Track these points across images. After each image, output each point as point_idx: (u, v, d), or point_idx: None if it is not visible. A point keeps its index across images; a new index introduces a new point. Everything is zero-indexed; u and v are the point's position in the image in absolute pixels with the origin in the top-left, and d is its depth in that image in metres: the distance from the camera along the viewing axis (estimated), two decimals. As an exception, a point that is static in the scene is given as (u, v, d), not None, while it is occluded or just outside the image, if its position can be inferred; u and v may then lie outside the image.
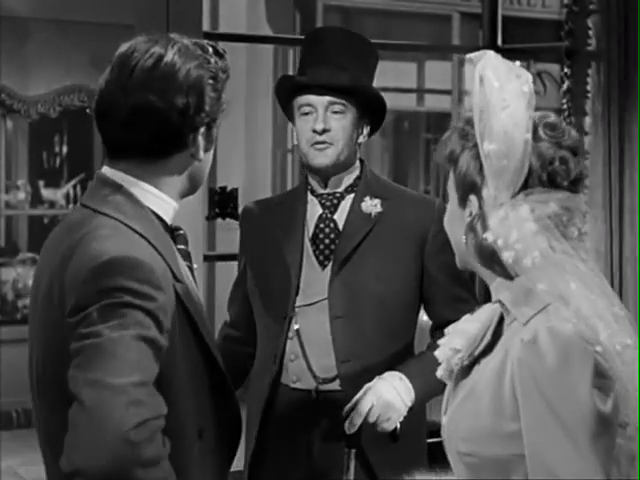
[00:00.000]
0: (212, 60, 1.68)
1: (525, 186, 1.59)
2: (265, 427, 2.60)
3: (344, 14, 8.73)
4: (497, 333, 1.66)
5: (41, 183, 7.60)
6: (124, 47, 1.67)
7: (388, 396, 2.43)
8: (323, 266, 2.58)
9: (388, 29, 8.42)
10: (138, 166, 1.67)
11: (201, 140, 1.68)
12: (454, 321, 2.50)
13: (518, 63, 1.63)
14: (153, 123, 1.63)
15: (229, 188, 3.62)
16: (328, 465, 2.54)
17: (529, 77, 1.61)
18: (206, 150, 1.70)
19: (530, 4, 9.37)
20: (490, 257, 1.60)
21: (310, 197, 2.64)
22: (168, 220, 1.74)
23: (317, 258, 2.59)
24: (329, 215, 2.61)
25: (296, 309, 2.57)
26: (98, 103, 1.68)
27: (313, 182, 2.64)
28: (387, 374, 2.47)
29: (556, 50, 4.25)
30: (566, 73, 4.17)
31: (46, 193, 7.64)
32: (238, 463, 2.71)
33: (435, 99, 9.10)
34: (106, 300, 1.51)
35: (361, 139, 2.64)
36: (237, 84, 7.68)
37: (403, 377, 2.48)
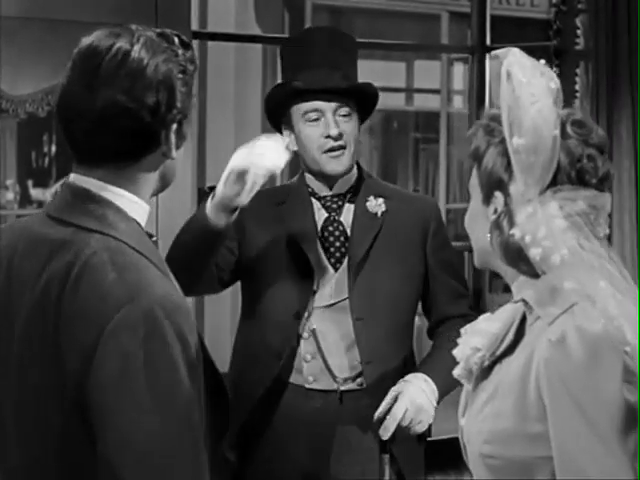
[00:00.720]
0: (179, 52, 1.58)
1: (553, 183, 1.57)
2: (266, 427, 2.59)
3: (333, 14, 8.73)
4: (519, 333, 1.64)
5: (30, 183, 7.58)
6: (85, 42, 1.56)
7: (419, 400, 2.47)
8: (335, 268, 2.59)
9: (377, 28, 8.42)
10: (112, 171, 1.57)
11: (173, 138, 1.59)
12: (454, 317, 2.60)
13: (543, 61, 1.63)
14: (124, 124, 1.53)
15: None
16: (356, 461, 2.59)
17: (554, 75, 1.61)
18: (178, 147, 1.61)
19: (519, 3, 9.38)
20: (517, 255, 1.58)
21: (312, 200, 2.64)
22: (143, 225, 1.64)
23: (329, 260, 2.60)
24: (336, 217, 2.62)
25: (313, 309, 2.58)
26: (62, 106, 1.58)
27: (316, 184, 2.63)
28: (412, 376, 2.52)
29: (544, 49, 4.25)
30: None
31: (35, 193, 7.61)
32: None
33: (424, 98, 9.11)
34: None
35: (360, 138, 2.66)
36: (226, 83, 7.67)
37: (427, 379, 2.52)
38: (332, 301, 2.58)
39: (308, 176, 2.65)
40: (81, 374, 1.46)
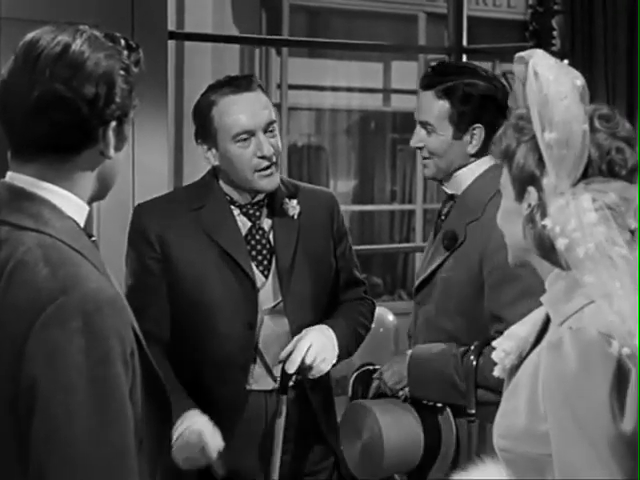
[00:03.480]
0: (124, 52, 1.57)
1: (585, 176, 1.60)
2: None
3: (310, 14, 8.73)
4: (543, 333, 1.68)
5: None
6: (29, 36, 1.56)
7: (323, 339, 2.59)
8: (265, 275, 2.63)
9: (354, 29, 8.42)
10: (48, 167, 1.55)
11: (111, 136, 1.56)
12: (349, 300, 2.77)
13: (566, 62, 1.66)
14: (60, 113, 1.51)
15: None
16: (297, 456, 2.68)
17: (578, 73, 1.64)
18: (117, 149, 1.58)
19: (495, 5, 9.41)
20: (550, 246, 1.60)
21: (232, 207, 2.64)
22: (82, 225, 1.61)
23: (257, 268, 2.62)
24: (260, 225, 2.64)
25: (263, 317, 2.62)
26: (2, 96, 1.56)
27: (236, 195, 2.63)
28: (317, 326, 2.62)
29: (521, 50, 4.26)
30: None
31: None
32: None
33: (401, 99, 9.11)
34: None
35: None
36: (203, 84, 7.66)
37: (329, 328, 2.65)
38: (268, 306, 2.63)
39: (227, 187, 2.64)
40: (13, 368, 1.45)
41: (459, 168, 2.65)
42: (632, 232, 1.59)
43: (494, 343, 1.79)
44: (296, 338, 2.58)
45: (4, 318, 1.47)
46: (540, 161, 1.62)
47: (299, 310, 2.63)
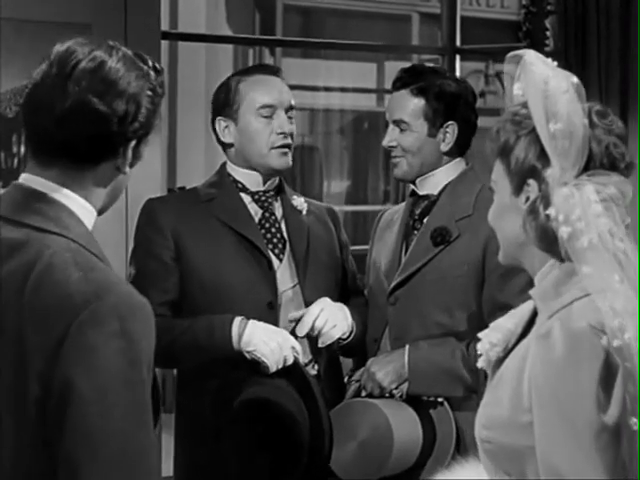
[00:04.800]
0: (152, 73, 1.66)
1: (586, 168, 1.62)
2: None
3: (304, 14, 8.73)
4: (529, 327, 1.70)
5: (-2, 183, 7.54)
6: (62, 46, 1.63)
7: (334, 308, 2.63)
8: (279, 259, 2.68)
9: (347, 29, 8.42)
10: (65, 173, 1.61)
11: (130, 153, 1.63)
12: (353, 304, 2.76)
13: (555, 63, 1.70)
14: (90, 124, 1.58)
15: (188, 187, 3.60)
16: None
17: (570, 73, 1.67)
18: (132, 165, 1.66)
19: (489, 5, 9.42)
20: (553, 237, 1.61)
21: (242, 195, 2.70)
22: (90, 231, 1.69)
23: (272, 251, 2.67)
24: (273, 212, 2.71)
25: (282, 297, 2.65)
26: (31, 96, 1.62)
27: (249, 180, 2.70)
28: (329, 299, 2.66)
29: (514, 51, 4.27)
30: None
31: (3, 194, 7.56)
32: (167, 469, 2.74)
33: (395, 99, 9.11)
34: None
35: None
36: (197, 84, 7.65)
37: (343, 305, 2.69)
38: (284, 288, 2.66)
39: (241, 170, 2.70)
40: (46, 371, 1.48)
41: (433, 168, 2.71)
42: (626, 227, 1.61)
43: (480, 334, 1.80)
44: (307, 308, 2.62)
45: (35, 319, 1.50)
46: (542, 153, 1.63)
47: (315, 294, 2.65)
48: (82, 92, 1.57)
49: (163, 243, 2.63)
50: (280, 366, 2.50)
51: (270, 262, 2.64)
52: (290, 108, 2.69)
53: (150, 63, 1.67)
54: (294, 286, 2.67)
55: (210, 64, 7.61)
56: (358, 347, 2.74)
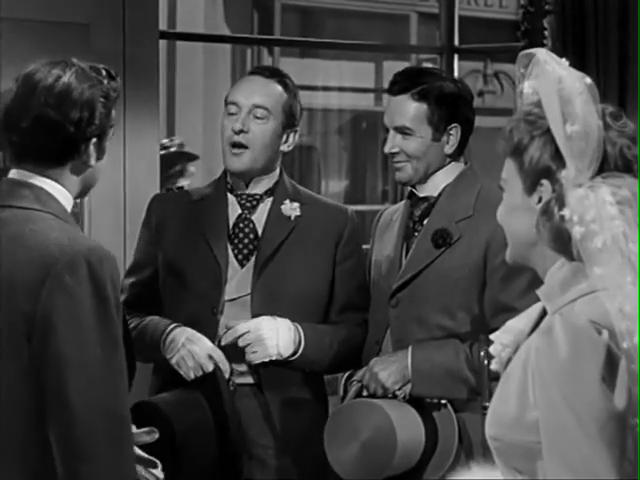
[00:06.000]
0: (105, 81, 1.98)
1: (601, 170, 1.62)
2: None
3: (302, 14, 8.73)
4: (539, 326, 1.70)
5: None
6: (29, 69, 1.97)
7: (265, 334, 2.57)
8: (241, 265, 2.66)
9: (346, 29, 8.42)
10: (42, 169, 1.96)
11: (92, 149, 1.97)
12: (339, 322, 2.69)
13: (568, 63, 1.70)
14: (51, 132, 1.94)
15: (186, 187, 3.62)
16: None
17: (582, 74, 1.67)
18: (98, 159, 2.00)
19: (487, 4, 9.42)
20: (567, 238, 1.60)
21: (229, 196, 2.70)
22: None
23: (236, 257, 2.66)
24: (247, 215, 2.69)
25: (224, 304, 2.64)
26: (6, 114, 1.97)
27: (233, 180, 2.71)
28: (282, 319, 2.61)
29: (513, 50, 4.27)
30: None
31: None
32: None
33: (393, 99, 9.11)
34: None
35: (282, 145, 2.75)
36: (195, 84, 7.65)
37: (297, 326, 2.63)
38: (234, 296, 2.64)
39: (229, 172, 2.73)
40: (30, 310, 1.85)
41: (436, 170, 2.68)
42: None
43: (492, 336, 1.80)
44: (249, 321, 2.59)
45: (20, 271, 1.87)
46: (556, 154, 1.63)
47: (265, 306, 2.62)
48: (42, 107, 1.93)
49: (149, 239, 2.73)
50: (199, 373, 2.53)
51: (220, 268, 2.62)
52: (260, 108, 2.62)
53: (104, 72, 1.99)
54: (242, 296, 2.65)
55: (208, 64, 7.61)
56: (320, 366, 2.69)
